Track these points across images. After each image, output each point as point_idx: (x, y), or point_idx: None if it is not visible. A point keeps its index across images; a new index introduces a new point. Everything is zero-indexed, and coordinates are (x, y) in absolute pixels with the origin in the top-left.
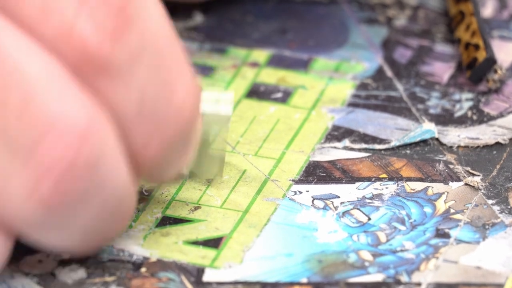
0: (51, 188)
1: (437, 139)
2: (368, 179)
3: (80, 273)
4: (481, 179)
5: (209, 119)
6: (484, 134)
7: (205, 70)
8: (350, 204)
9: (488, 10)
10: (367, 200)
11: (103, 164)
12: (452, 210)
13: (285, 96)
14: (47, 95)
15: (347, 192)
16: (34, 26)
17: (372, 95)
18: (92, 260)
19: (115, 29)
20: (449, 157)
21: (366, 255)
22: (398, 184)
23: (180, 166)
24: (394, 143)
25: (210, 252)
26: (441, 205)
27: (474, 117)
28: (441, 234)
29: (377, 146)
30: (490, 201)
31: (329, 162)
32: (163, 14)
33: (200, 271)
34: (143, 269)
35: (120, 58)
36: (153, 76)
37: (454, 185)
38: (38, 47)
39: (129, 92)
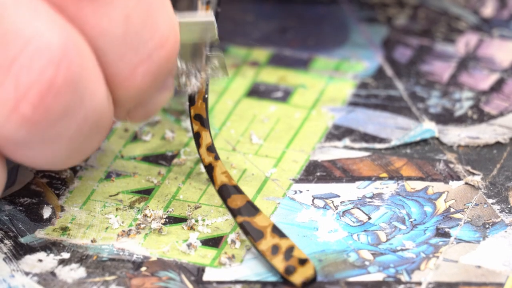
0: (31, 107)
1: (437, 138)
2: (369, 178)
3: (80, 272)
4: (481, 178)
5: (196, 27)
6: (484, 133)
7: None
8: (350, 203)
9: (488, 10)
10: (367, 199)
11: (82, 82)
12: (452, 209)
13: (285, 95)
14: (18, 15)
15: (348, 191)
16: None
17: (372, 94)
18: (92, 260)
19: None
20: (449, 156)
21: (366, 254)
22: (398, 183)
23: (161, 101)
24: (394, 142)
25: (210, 252)
26: (441, 204)
27: (474, 116)
28: (441, 233)
29: (377, 145)
30: (490, 200)
31: (329, 161)
32: None
33: (200, 270)
34: (143, 268)
35: None
36: (136, 5)
37: (454, 184)
38: None
39: (113, 20)
